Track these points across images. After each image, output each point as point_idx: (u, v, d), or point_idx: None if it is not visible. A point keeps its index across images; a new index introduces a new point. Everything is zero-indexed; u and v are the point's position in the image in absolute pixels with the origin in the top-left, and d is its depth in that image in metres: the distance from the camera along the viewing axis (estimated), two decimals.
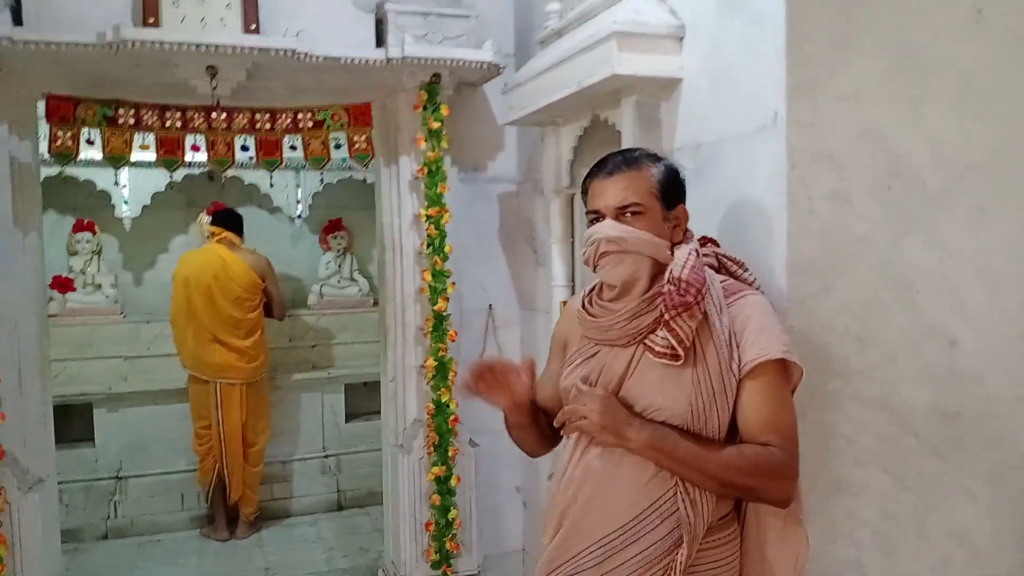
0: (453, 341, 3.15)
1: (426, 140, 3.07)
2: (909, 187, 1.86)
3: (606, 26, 2.16)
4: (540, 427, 1.81)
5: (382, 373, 3.42)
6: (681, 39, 2.19)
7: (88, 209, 5.24)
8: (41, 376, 2.91)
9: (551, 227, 2.94)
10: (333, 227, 5.67)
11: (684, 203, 1.66)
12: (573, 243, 2.97)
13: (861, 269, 1.84)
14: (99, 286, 5.16)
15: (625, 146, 2.32)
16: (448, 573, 3.17)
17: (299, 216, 5.47)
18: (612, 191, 1.56)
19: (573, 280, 2.97)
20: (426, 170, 3.07)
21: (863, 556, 1.89)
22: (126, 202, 5.06)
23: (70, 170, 4.82)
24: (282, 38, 2.82)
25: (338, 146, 3.12)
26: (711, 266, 1.66)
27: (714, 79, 2.06)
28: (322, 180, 5.40)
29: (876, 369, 1.85)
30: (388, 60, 2.95)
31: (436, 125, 3.05)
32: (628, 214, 1.55)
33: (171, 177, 5.01)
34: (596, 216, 1.59)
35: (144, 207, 5.14)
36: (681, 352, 1.48)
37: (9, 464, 2.72)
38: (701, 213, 2.08)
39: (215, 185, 5.39)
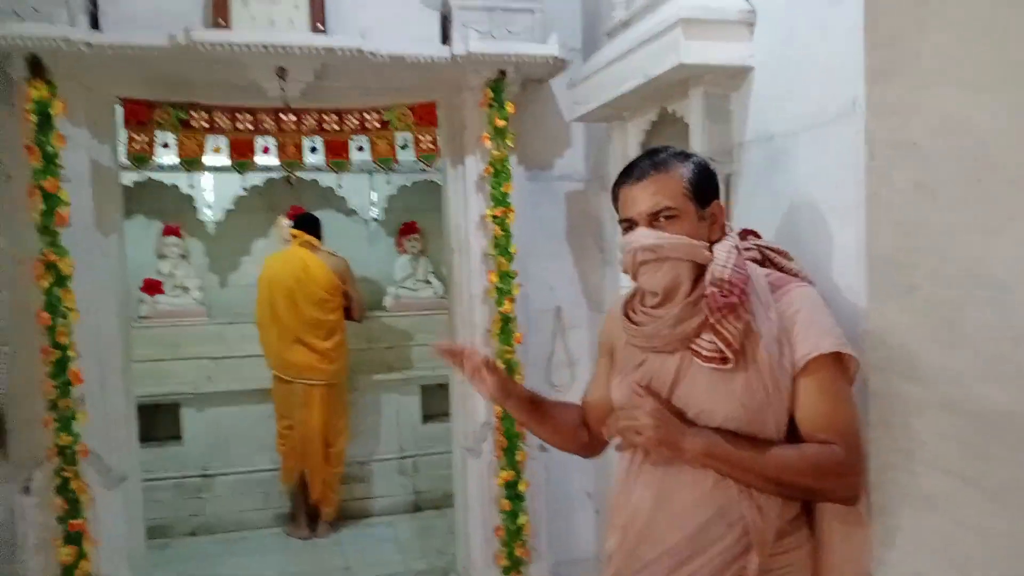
0: (519, 343, 3.09)
1: (491, 139, 3.02)
2: (1001, 179, 1.69)
3: (672, 13, 2.07)
4: (549, 425, 1.84)
5: (453, 375, 3.40)
6: (752, 25, 2.08)
7: (175, 214, 5.45)
8: (123, 376, 3.01)
9: (621, 241, 2.85)
10: (408, 230, 5.72)
11: (718, 198, 1.59)
12: None
13: (947, 267, 1.68)
14: (186, 288, 5.34)
15: (694, 140, 2.23)
16: None
17: (374, 219, 5.52)
18: (643, 197, 1.52)
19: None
20: (491, 169, 3.03)
21: (947, 574, 1.73)
22: (209, 206, 5.22)
23: (156, 175, 5.00)
24: (348, 37, 2.83)
25: (404, 146, 3.12)
26: (754, 259, 1.61)
27: (787, 66, 1.94)
28: (388, 181, 5.44)
29: (963, 374, 1.69)
30: (453, 57, 2.92)
31: (501, 123, 3.00)
32: (662, 219, 1.51)
33: (243, 180, 5.13)
34: (630, 224, 1.55)
35: (227, 211, 5.28)
36: (730, 355, 1.44)
37: (93, 462, 2.82)
38: (774, 208, 1.97)
39: (294, 189, 5.51)
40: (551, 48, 2.95)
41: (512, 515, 3.10)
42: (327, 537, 4.71)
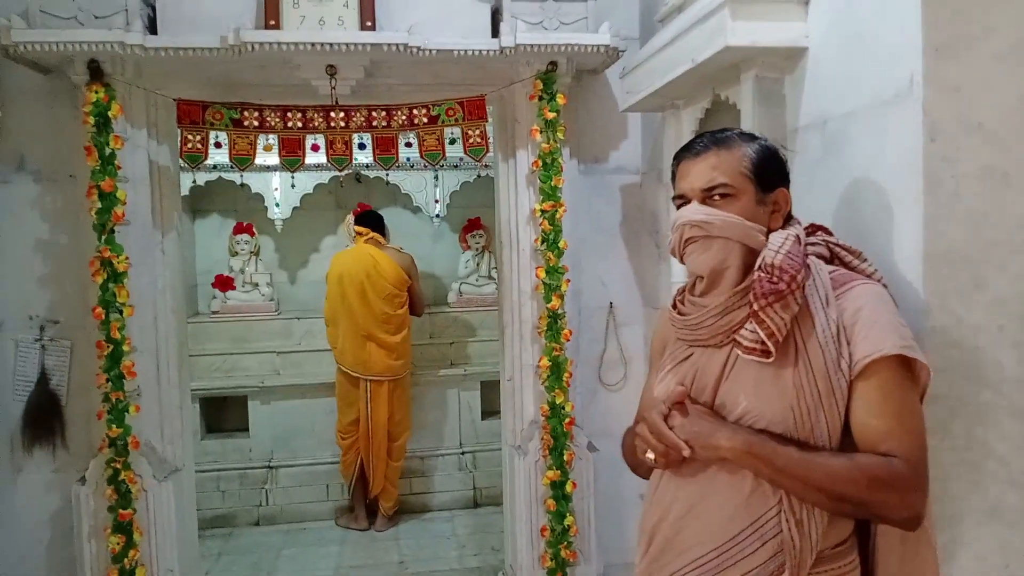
0: (568, 340, 3.01)
1: (541, 132, 2.95)
2: None
3: None
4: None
5: (501, 372, 3.35)
6: (806, 3, 1.94)
7: (247, 212, 5.58)
8: (180, 370, 3.07)
9: (671, 219, 2.74)
10: (472, 226, 5.70)
11: (787, 187, 1.46)
12: None
13: (1020, 260, 1.53)
14: (256, 284, 5.45)
15: (745, 127, 2.10)
16: None
17: (438, 215, 5.52)
18: (698, 171, 1.42)
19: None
20: (540, 163, 2.95)
21: None
22: (277, 204, 5.31)
23: (227, 174, 5.12)
24: (395, 33, 2.81)
25: (453, 141, 3.07)
26: (821, 256, 1.47)
27: (843, 45, 1.80)
28: (436, 175, 5.41)
29: None
30: (502, 50, 2.86)
31: (551, 115, 2.93)
32: (716, 196, 1.40)
33: (311, 178, 5.19)
34: (682, 200, 1.46)
35: (294, 209, 5.37)
36: (772, 347, 1.32)
37: (146, 453, 2.88)
38: (830, 197, 1.84)
39: (360, 186, 5.57)
40: (603, 37, 2.86)
41: (558, 516, 3.02)
42: (385, 531, 4.73)
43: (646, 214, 3.28)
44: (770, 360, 1.33)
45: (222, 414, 5.18)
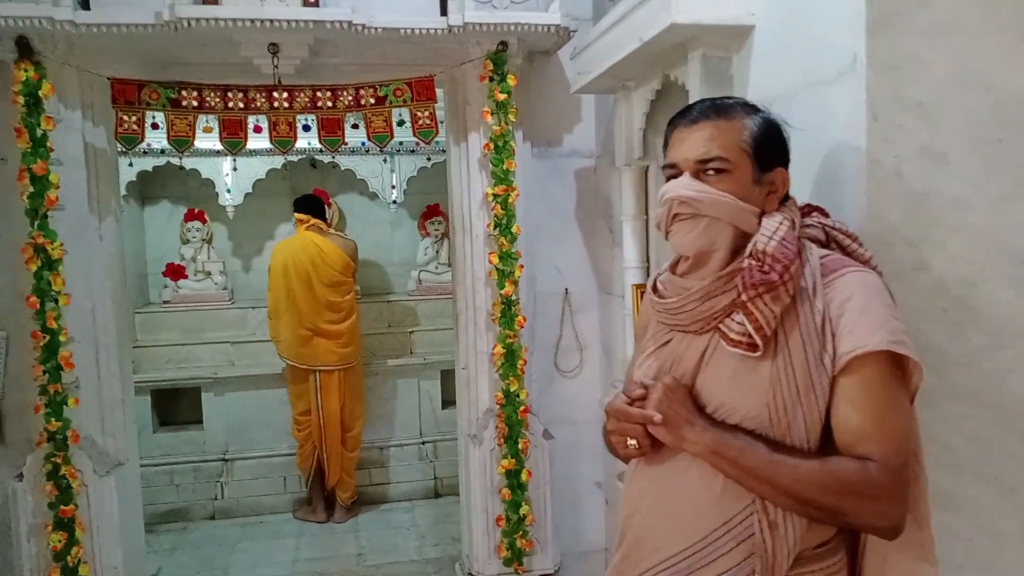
0: (522, 327, 2.97)
1: (492, 113, 2.89)
2: (1022, 140, 1.50)
3: None
4: None
5: (456, 360, 3.29)
6: None
7: (198, 199, 5.43)
8: (121, 361, 2.97)
9: (623, 203, 2.70)
10: (431, 213, 5.62)
11: (786, 167, 1.36)
12: (647, 221, 2.71)
13: (960, 241, 1.51)
14: (209, 273, 5.33)
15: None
16: (519, 571, 3.01)
17: (394, 202, 5.43)
18: (693, 141, 1.30)
19: (648, 261, 2.72)
20: (492, 146, 2.89)
21: None
22: (229, 190, 5.18)
23: (176, 159, 4.98)
24: (339, 9, 2.72)
25: (401, 123, 2.99)
26: (816, 239, 1.36)
27: (786, 22, 1.77)
28: (388, 160, 5.33)
29: (978, 359, 1.52)
30: (450, 28, 2.79)
31: (502, 97, 2.87)
32: (710, 171, 1.29)
33: (235, 161, 5.07)
34: (673, 171, 1.33)
35: (247, 195, 5.25)
36: (759, 341, 1.22)
37: (86, 447, 2.79)
38: None
39: (315, 171, 5.45)
40: (553, 17, 2.80)
41: (513, 505, 2.98)
42: (344, 522, 4.67)
43: (600, 198, 3.24)
44: (757, 354, 1.23)
45: (175, 406, 5.05)
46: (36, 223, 2.67)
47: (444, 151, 5.01)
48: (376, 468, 5.01)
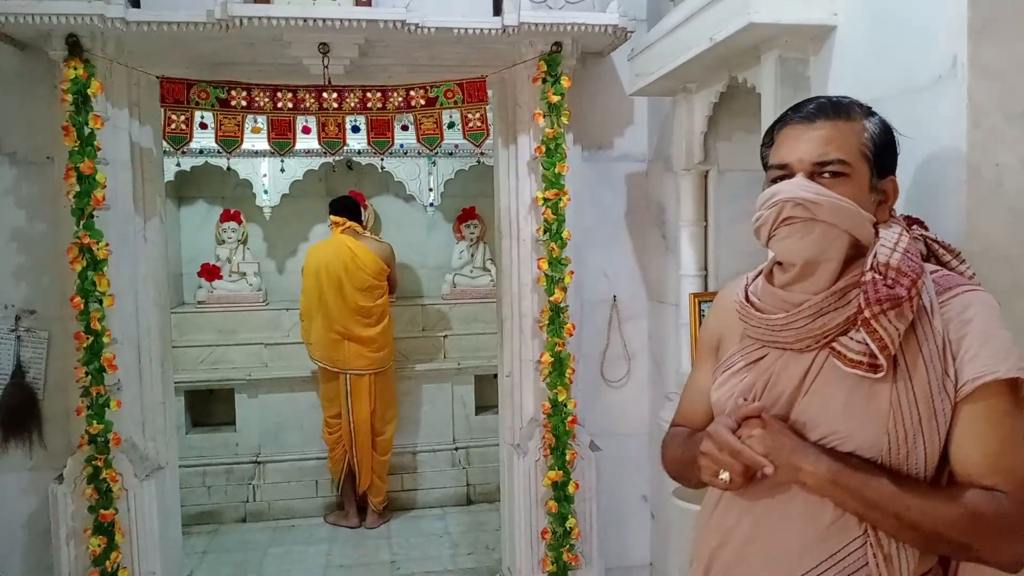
0: (571, 335, 2.88)
1: (544, 116, 2.82)
2: None
3: None
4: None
5: (499, 367, 3.22)
6: None
7: (235, 199, 5.41)
8: (163, 363, 2.93)
9: (680, 208, 2.62)
10: (467, 216, 5.56)
11: (894, 174, 1.28)
12: (706, 227, 2.63)
13: None
14: (243, 274, 5.30)
15: (766, 113, 1.98)
16: None
17: (431, 204, 5.38)
18: (811, 141, 1.20)
19: (706, 269, 2.63)
20: (543, 148, 2.82)
21: None
22: (266, 191, 5.15)
23: (214, 159, 4.96)
24: (392, 9, 2.66)
25: (451, 125, 2.93)
26: (919, 253, 1.25)
27: (876, 24, 1.68)
28: (432, 162, 5.26)
29: None
30: (504, 29, 2.72)
31: (556, 99, 2.79)
32: (826, 174, 1.19)
33: (301, 164, 5.04)
34: (783, 172, 1.23)
35: (283, 196, 5.21)
36: (883, 361, 1.13)
37: (127, 450, 2.75)
38: None
39: (352, 173, 5.41)
40: (611, 17, 2.72)
41: (560, 518, 2.90)
42: (376, 528, 4.62)
43: (652, 204, 3.15)
44: (879, 375, 1.14)
45: (208, 407, 5.03)
46: (82, 223, 2.63)
47: (484, 153, 5.05)
48: (408, 473, 4.96)
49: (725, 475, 1.21)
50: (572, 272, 2.88)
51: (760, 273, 1.35)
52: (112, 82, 2.75)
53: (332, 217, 4.58)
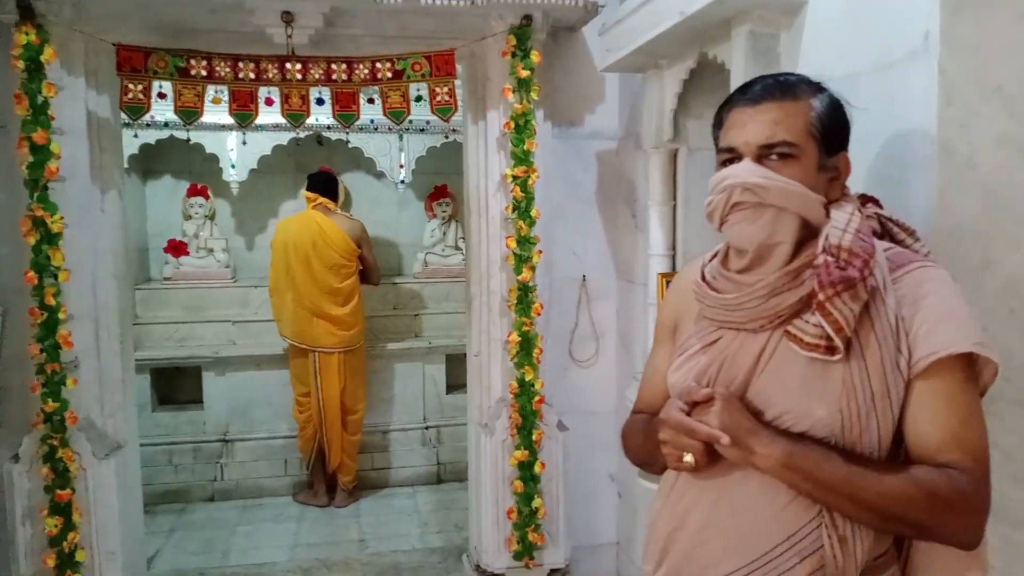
0: (539, 315, 2.86)
1: (514, 91, 2.77)
2: None
3: None
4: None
5: (467, 346, 3.19)
6: None
7: (202, 174, 5.30)
8: (122, 339, 2.86)
9: (650, 187, 2.59)
10: (438, 194, 5.50)
11: (847, 150, 1.27)
12: (675, 206, 2.60)
13: None
14: (211, 250, 5.21)
15: (734, 88, 1.95)
16: (530, 565, 2.92)
17: (402, 182, 5.30)
18: (757, 123, 1.19)
19: (674, 249, 2.61)
20: (513, 125, 2.77)
21: None
22: (233, 166, 5.05)
23: (180, 133, 4.84)
24: None
25: (419, 98, 2.87)
26: (873, 232, 1.25)
27: None
28: (401, 139, 5.19)
29: None
30: (473, 1, 2.66)
31: (525, 74, 2.74)
32: (774, 156, 1.18)
33: (244, 135, 4.94)
34: (731, 156, 1.22)
35: (251, 171, 5.11)
36: (839, 343, 1.12)
37: (84, 429, 2.68)
38: None
39: (322, 148, 5.32)
40: None
41: (526, 497, 2.89)
42: (345, 507, 4.59)
43: (623, 182, 3.12)
44: (836, 358, 1.13)
45: (175, 385, 4.96)
46: (36, 195, 2.55)
47: (456, 130, 4.99)
48: (378, 452, 4.93)
49: (689, 457, 1.20)
50: (541, 251, 2.85)
51: (716, 255, 1.34)
52: (67, 49, 2.65)
53: (305, 192, 4.51)
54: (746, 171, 1.18)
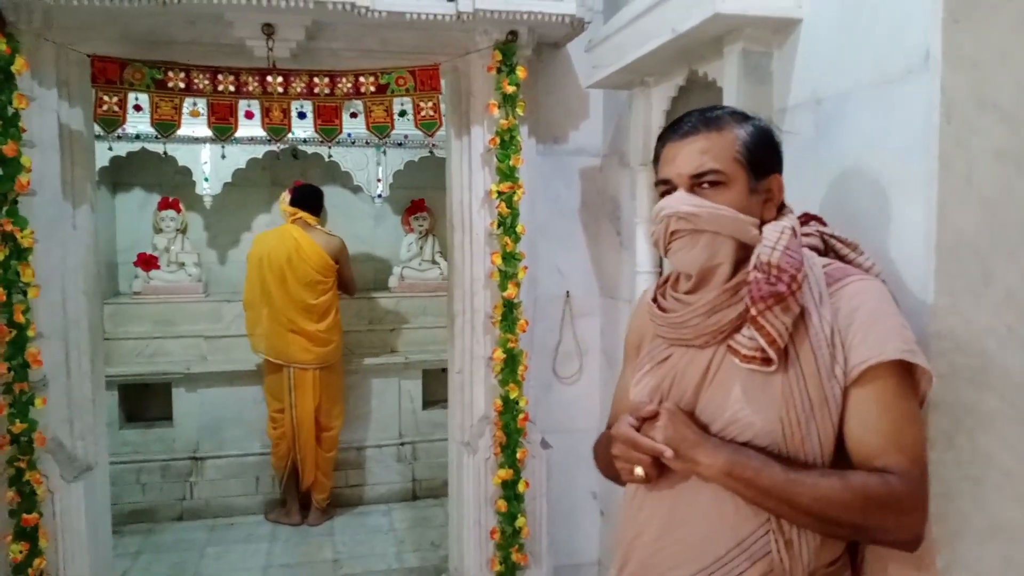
0: (524, 332, 2.82)
1: (499, 107, 2.74)
2: None
3: None
4: None
5: (449, 363, 3.14)
6: None
7: (174, 187, 5.20)
8: (92, 358, 2.76)
9: (636, 204, 2.58)
10: (415, 208, 5.46)
11: (780, 172, 1.34)
12: None
13: None
14: (182, 264, 5.11)
15: (728, 105, 1.94)
16: None
17: (379, 195, 5.25)
18: (686, 156, 1.28)
19: (661, 266, 2.59)
20: (498, 140, 2.74)
21: None
22: (206, 179, 4.96)
23: (151, 145, 4.75)
24: None
25: (403, 113, 2.83)
26: (815, 248, 1.35)
27: (844, 15, 1.65)
28: (384, 151, 5.15)
29: None
30: (459, 15, 2.63)
31: (511, 89, 2.72)
32: (705, 184, 1.27)
33: (223, 148, 4.87)
34: (667, 187, 1.32)
35: (226, 184, 5.03)
36: (773, 355, 1.20)
37: (53, 450, 2.58)
38: (819, 183, 1.70)
39: (297, 162, 5.25)
40: (568, 6, 2.66)
41: (509, 517, 2.84)
42: (319, 525, 4.51)
43: (606, 199, 3.11)
44: (772, 369, 1.20)
45: (143, 402, 4.84)
46: (5, 209, 2.45)
47: (435, 144, 4.95)
48: (353, 469, 4.86)
49: (639, 470, 1.27)
50: (526, 267, 2.82)
51: (668, 279, 1.43)
52: (39, 59, 2.57)
53: (285, 206, 4.45)
54: (678, 201, 1.27)
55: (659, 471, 1.28)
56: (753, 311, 1.19)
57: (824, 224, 1.42)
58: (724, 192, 1.26)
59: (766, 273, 1.20)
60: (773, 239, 1.23)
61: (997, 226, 1.39)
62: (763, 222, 1.29)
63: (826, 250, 1.37)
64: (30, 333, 2.50)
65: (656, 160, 1.36)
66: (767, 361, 1.20)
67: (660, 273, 2.59)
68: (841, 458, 1.22)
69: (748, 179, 1.28)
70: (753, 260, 1.23)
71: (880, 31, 1.52)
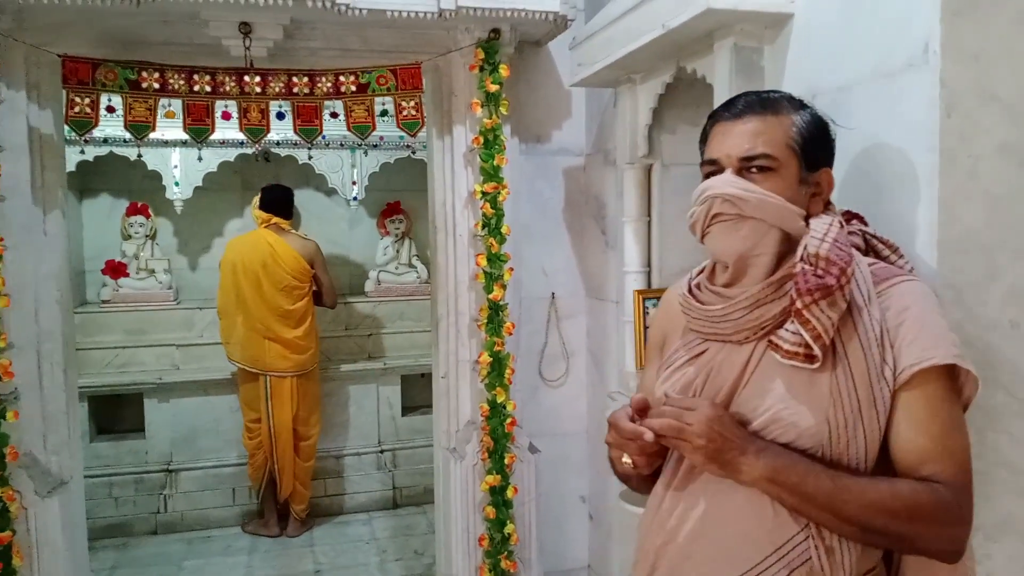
0: (510, 335, 2.78)
1: (482, 106, 2.70)
2: None
3: None
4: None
5: (433, 368, 3.09)
6: None
7: (142, 192, 5.08)
8: (65, 368, 2.67)
9: (624, 203, 2.55)
10: (391, 211, 5.39)
11: (831, 167, 1.28)
12: (650, 222, 2.57)
13: None
14: (152, 271, 4.98)
15: (718, 103, 1.92)
16: None
17: (354, 198, 5.18)
18: (738, 136, 1.22)
19: (649, 265, 2.57)
20: (482, 140, 2.70)
21: None
22: (177, 183, 4.85)
23: (120, 149, 4.63)
24: None
25: (384, 113, 2.78)
26: (856, 247, 1.27)
27: (840, 9, 1.64)
28: (366, 153, 5.08)
29: None
30: (440, 13, 2.59)
31: (494, 88, 2.68)
32: (755, 169, 1.21)
33: (215, 155, 4.79)
34: (713, 168, 1.25)
35: (196, 188, 4.92)
36: (818, 351, 1.13)
37: (26, 465, 2.49)
38: None
39: (270, 165, 5.16)
40: (551, 3, 2.63)
41: (498, 523, 2.80)
42: (298, 536, 4.43)
43: (591, 199, 3.08)
44: (815, 365, 1.14)
45: (114, 413, 4.72)
46: None
47: (410, 147, 4.90)
48: (332, 478, 4.78)
49: (627, 458, 1.23)
50: (512, 269, 2.78)
51: (703, 270, 1.36)
52: (8, 60, 2.48)
53: (256, 211, 4.35)
54: (725, 182, 1.21)
55: (649, 460, 1.23)
56: (799, 304, 1.14)
57: (865, 224, 1.37)
58: (773, 179, 1.20)
59: (814, 265, 1.14)
60: (822, 231, 1.18)
61: (1002, 221, 1.38)
62: (809, 215, 1.24)
63: (867, 250, 1.33)
64: (1, 344, 2.41)
65: (703, 140, 1.30)
66: (811, 358, 1.14)
67: (648, 272, 2.57)
68: (883, 464, 1.17)
69: (799, 169, 1.22)
70: (800, 251, 1.18)
71: (878, 23, 1.51)
